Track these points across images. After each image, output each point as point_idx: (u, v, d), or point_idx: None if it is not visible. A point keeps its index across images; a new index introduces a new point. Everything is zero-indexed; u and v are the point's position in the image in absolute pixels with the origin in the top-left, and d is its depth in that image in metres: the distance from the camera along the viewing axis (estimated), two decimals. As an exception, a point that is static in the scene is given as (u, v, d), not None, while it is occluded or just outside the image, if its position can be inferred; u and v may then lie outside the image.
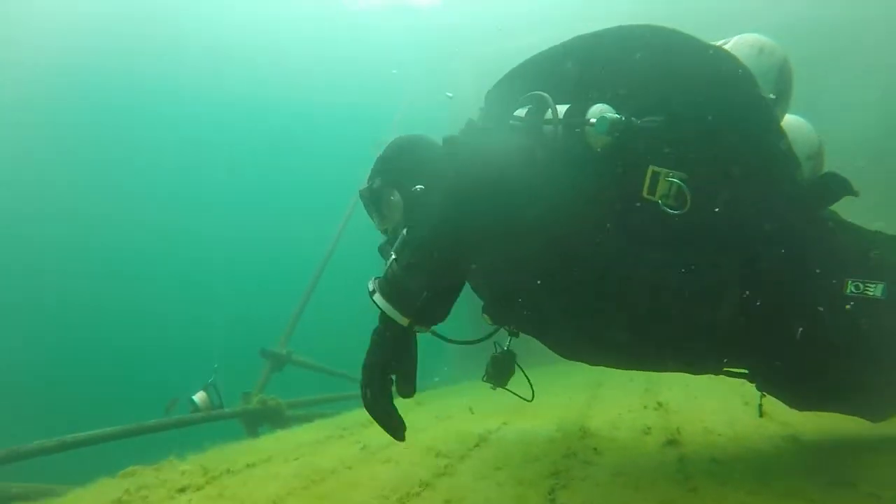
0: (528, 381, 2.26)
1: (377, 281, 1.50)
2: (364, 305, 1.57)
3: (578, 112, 1.52)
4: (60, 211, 21.50)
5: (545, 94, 1.57)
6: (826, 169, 1.78)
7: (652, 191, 1.45)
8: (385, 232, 2.05)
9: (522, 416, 3.11)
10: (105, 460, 2.61)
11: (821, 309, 1.53)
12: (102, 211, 22.39)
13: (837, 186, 1.59)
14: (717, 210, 1.47)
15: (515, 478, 1.88)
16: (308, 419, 5.17)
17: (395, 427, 1.46)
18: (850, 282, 1.53)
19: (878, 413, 1.82)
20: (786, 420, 2.32)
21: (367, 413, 1.47)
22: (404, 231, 1.71)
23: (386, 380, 1.46)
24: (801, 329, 1.52)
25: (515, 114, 1.66)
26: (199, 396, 5.12)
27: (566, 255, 1.56)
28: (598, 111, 1.49)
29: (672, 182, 1.43)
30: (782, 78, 1.66)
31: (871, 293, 1.52)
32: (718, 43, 1.68)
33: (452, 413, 3.70)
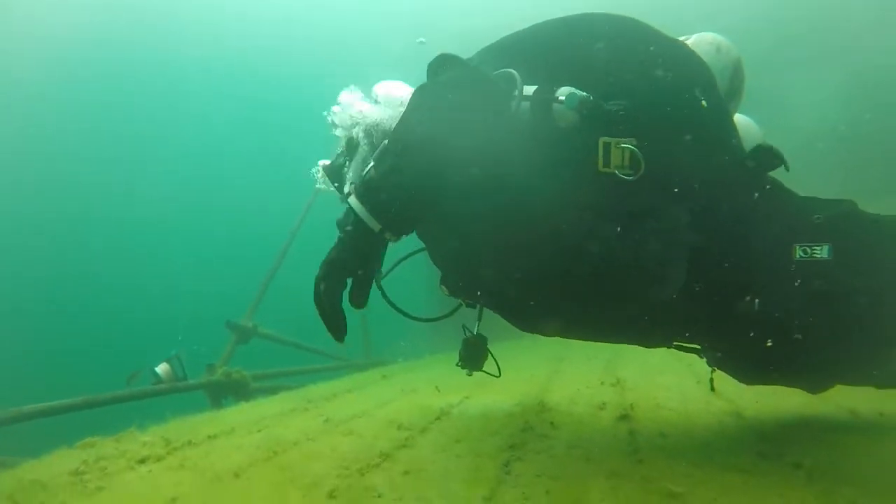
0: (496, 362, 2.33)
1: (353, 185, 1.49)
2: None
3: (547, 91, 1.54)
4: (22, 178, 20.55)
5: (513, 72, 1.59)
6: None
7: (607, 162, 1.48)
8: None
9: (485, 390, 3.19)
10: (63, 433, 2.56)
11: (772, 276, 1.60)
12: (68, 178, 21.51)
13: (775, 155, 1.65)
14: (676, 191, 1.51)
15: (473, 450, 1.94)
16: (273, 392, 5.17)
17: (338, 326, 1.51)
18: (797, 247, 1.62)
19: (818, 385, 1.94)
20: (732, 397, 2.44)
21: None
22: (385, 141, 1.68)
23: (342, 280, 1.49)
24: (756, 300, 1.58)
25: None
26: (161, 368, 5.05)
27: (522, 229, 1.58)
28: (567, 90, 1.51)
29: (624, 149, 1.47)
30: (737, 75, 1.74)
31: (819, 255, 1.61)
32: (680, 39, 1.72)
33: (417, 387, 3.75)
